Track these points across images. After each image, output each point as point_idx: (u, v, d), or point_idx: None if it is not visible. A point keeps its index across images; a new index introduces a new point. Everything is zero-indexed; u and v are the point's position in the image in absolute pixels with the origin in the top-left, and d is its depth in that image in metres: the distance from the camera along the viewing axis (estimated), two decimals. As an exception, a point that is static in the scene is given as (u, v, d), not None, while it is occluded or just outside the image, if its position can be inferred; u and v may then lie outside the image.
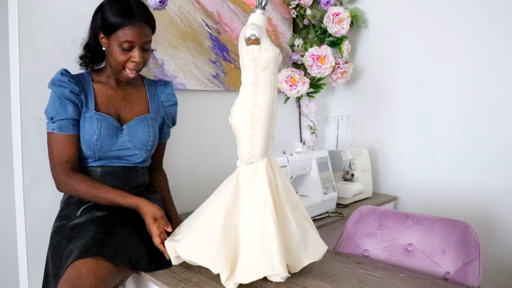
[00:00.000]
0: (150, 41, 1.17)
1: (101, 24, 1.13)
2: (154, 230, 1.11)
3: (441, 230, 1.22)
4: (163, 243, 1.10)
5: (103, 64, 1.26)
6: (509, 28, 1.74)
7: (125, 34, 1.11)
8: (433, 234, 1.22)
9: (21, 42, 1.24)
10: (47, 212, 1.27)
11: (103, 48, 1.17)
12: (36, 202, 1.28)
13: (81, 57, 1.22)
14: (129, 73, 1.17)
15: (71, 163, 1.14)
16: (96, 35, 1.16)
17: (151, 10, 1.39)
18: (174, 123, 1.40)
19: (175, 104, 1.36)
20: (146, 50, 1.17)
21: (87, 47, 1.20)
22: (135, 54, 1.14)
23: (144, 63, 1.18)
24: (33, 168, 1.28)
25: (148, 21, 1.15)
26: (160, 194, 1.35)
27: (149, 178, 1.34)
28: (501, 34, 1.76)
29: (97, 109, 1.18)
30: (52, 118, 1.13)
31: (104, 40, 1.15)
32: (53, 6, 1.30)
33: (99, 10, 1.15)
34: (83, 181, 1.14)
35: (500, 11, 1.76)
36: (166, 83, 1.35)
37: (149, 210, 1.13)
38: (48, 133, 1.15)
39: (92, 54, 1.20)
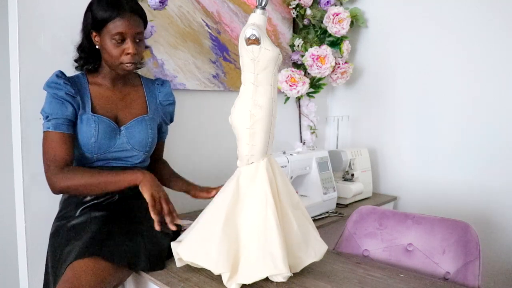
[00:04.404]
0: (142, 32, 1.17)
1: (92, 22, 1.13)
2: (153, 215, 1.08)
3: (441, 230, 1.22)
4: (162, 224, 1.09)
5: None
6: (509, 28, 1.74)
7: (115, 26, 1.10)
8: (433, 234, 1.22)
9: (21, 42, 1.24)
10: (47, 212, 1.26)
11: (97, 47, 1.17)
12: (36, 202, 1.28)
13: (76, 60, 1.21)
14: (127, 66, 1.16)
15: (66, 163, 1.11)
16: (88, 34, 1.16)
17: (151, 9, 1.39)
18: (171, 120, 1.39)
19: (173, 103, 1.36)
20: (139, 41, 1.16)
21: (81, 48, 1.20)
22: (128, 46, 1.13)
23: (139, 55, 1.17)
24: (33, 168, 1.28)
25: (137, 12, 1.15)
26: (166, 174, 1.35)
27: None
28: (501, 34, 1.76)
29: (94, 111, 1.17)
30: (47, 117, 1.12)
31: (96, 38, 1.15)
32: (53, 6, 1.30)
33: (88, 9, 1.15)
34: (74, 170, 1.10)
35: (500, 11, 1.76)
36: (164, 82, 1.34)
37: (146, 190, 1.10)
38: (43, 132, 1.13)
39: (87, 54, 1.20)
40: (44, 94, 1.18)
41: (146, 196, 1.10)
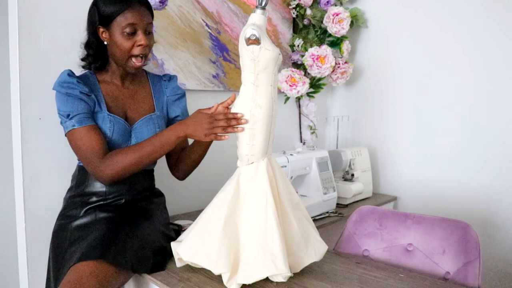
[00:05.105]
0: (151, 24, 1.16)
1: (99, 18, 1.11)
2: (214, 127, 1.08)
3: (441, 230, 1.22)
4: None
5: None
6: (509, 28, 1.74)
7: (125, 18, 1.09)
8: (433, 234, 1.22)
9: (21, 42, 1.24)
10: (47, 212, 1.27)
11: (105, 43, 1.15)
12: (36, 202, 1.28)
13: (83, 58, 1.19)
14: (136, 61, 1.14)
15: (105, 151, 1.10)
16: (95, 31, 1.14)
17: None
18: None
19: (183, 95, 1.32)
20: (149, 33, 1.15)
21: (88, 45, 1.18)
22: (140, 37, 1.12)
23: (149, 47, 1.16)
24: (33, 168, 1.28)
25: (145, 4, 1.14)
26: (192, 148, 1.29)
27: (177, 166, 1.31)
28: (501, 33, 1.76)
29: (109, 110, 1.16)
30: (68, 115, 1.09)
31: (104, 34, 1.13)
32: (53, 6, 1.30)
33: (94, 5, 1.13)
34: (117, 154, 1.09)
35: (499, 11, 1.76)
36: (171, 78, 1.32)
37: (199, 137, 1.10)
38: (68, 132, 1.10)
39: (95, 51, 1.17)
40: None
41: (204, 140, 1.10)
